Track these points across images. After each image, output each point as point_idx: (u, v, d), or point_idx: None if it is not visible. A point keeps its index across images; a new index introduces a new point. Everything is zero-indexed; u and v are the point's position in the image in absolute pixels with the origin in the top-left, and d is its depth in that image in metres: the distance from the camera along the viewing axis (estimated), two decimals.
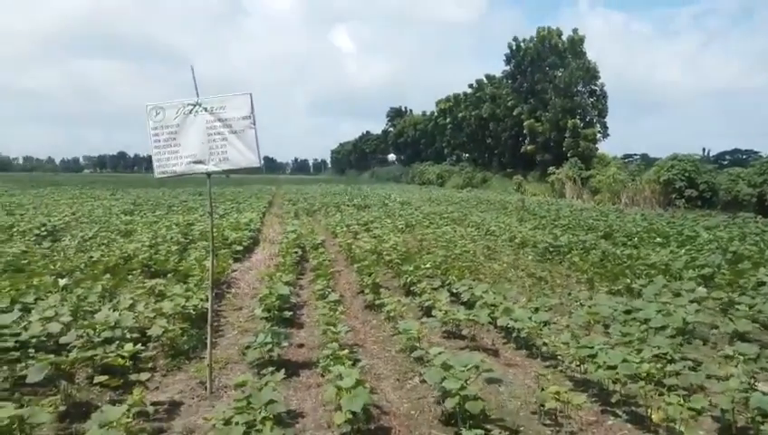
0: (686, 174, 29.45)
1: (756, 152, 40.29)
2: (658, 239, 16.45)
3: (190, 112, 5.57)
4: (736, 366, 5.67)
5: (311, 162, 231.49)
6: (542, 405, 4.99)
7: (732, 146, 68.94)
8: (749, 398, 4.60)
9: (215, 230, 14.68)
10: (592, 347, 5.69)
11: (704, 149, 60.41)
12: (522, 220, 22.59)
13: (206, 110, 5.61)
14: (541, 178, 47.64)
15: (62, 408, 4.84)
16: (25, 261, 11.23)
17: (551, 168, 44.68)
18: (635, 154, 61.79)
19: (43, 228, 16.75)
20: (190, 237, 15.29)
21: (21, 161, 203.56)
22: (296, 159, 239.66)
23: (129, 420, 4.27)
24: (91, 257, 11.65)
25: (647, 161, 45.39)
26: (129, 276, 10.06)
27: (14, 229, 16.62)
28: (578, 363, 6.04)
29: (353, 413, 4.42)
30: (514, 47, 56.54)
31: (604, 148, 51.09)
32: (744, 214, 24.06)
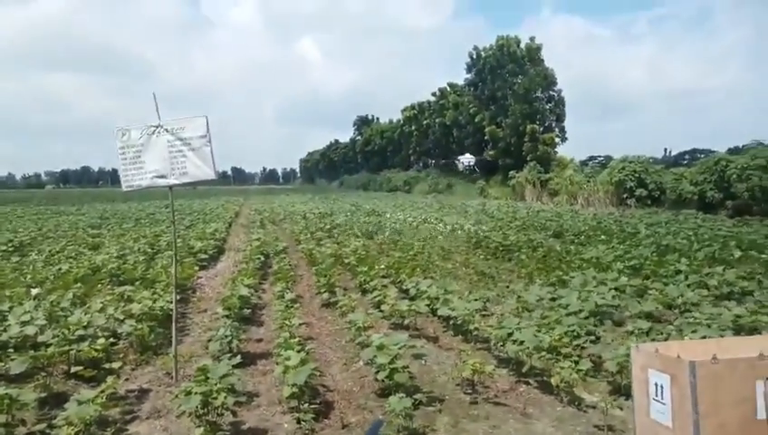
0: (636, 174, 31.02)
1: (713, 151, 42.19)
2: (603, 236, 17.58)
3: (153, 133, 6.30)
4: (635, 339, 6.61)
5: (280, 172, 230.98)
6: (462, 375, 5.83)
7: (691, 146, 71.28)
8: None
9: (180, 240, 15.30)
10: (509, 328, 6.58)
11: (665, 150, 62.37)
12: (479, 223, 23.61)
13: (167, 130, 6.35)
14: (503, 182, 49.07)
15: (42, 395, 5.50)
16: None
17: (512, 172, 46.12)
18: (599, 156, 63.62)
19: (9, 244, 17.09)
20: (157, 248, 15.84)
21: None
22: (265, 169, 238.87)
23: (104, 400, 4.97)
24: (60, 269, 12.16)
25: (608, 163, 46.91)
26: (99, 285, 10.64)
27: None
28: (501, 344, 6.90)
29: (298, 387, 5.19)
30: (475, 56, 58.11)
31: (567, 151, 52.66)
32: (687, 211, 25.55)
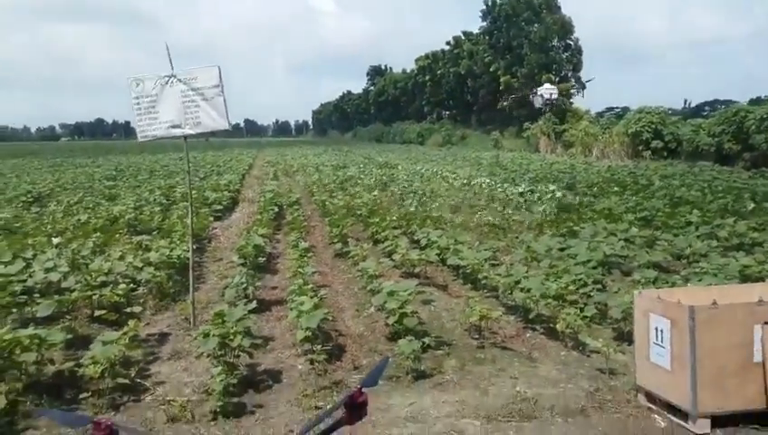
0: (653, 126, 30.54)
1: (735, 102, 41.03)
2: (616, 188, 17.52)
3: (166, 83, 6.35)
4: (641, 288, 6.71)
5: (292, 124, 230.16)
6: (470, 321, 6.01)
7: (712, 96, 69.50)
8: None
9: (194, 192, 15.50)
10: (517, 276, 6.72)
11: (685, 101, 60.73)
12: (493, 175, 23.56)
13: (180, 81, 6.39)
14: (517, 134, 48.53)
15: (68, 337, 5.77)
16: (18, 224, 12.02)
17: (526, 123, 45.56)
18: (616, 107, 62.41)
19: (29, 195, 17.44)
20: (172, 199, 16.10)
21: None
22: (277, 121, 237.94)
23: (127, 341, 5.22)
24: (79, 220, 12.45)
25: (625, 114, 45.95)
26: (117, 235, 10.91)
27: (1, 197, 17.31)
28: (509, 292, 7.06)
29: (311, 331, 5.39)
30: (490, 3, 56.56)
31: (583, 101, 51.61)
32: (703, 163, 25.27)
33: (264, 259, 9.39)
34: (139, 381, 5.07)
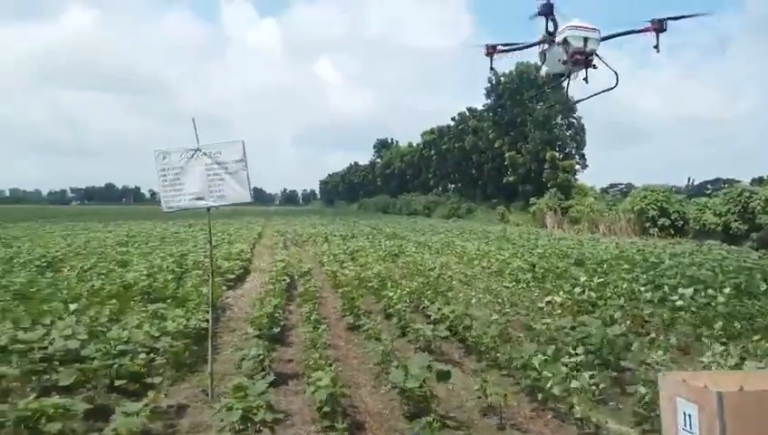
0: (658, 204, 30.97)
1: (737, 181, 41.59)
2: (626, 266, 17.55)
3: (192, 157, 6.65)
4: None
5: (300, 193, 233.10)
6: (484, 398, 5.97)
7: (713, 175, 70.15)
8: None
9: (207, 260, 15.61)
10: (528, 356, 6.74)
11: (689, 179, 61.54)
12: (501, 249, 23.69)
13: (205, 154, 6.69)
14: (523, 209, 49.12)
15: (88, 407, 5.76)
16: (33, 289, 12.10)
17: (532, 198, 46.21)
18: (620, 183, 63.29)
19: (42, 259, 17.60)
20: (185, 267, 16.20)
21: (7, 193, 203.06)
22: (285, 190, 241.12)
23: (148, 413, 5.22)
24: (93, 286, 12.54)
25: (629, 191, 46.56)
26: (132, 302, 10.97)
27: (15, 261, 17.47)
28: (522, 369, 7.02)
29: (331, 406, 5.38)
30: (494, 81, 58.63)
31: (586, 178, 52.64)
32: (711, 241, 25.40)
33: (279, 330, 9.41)
34: None
